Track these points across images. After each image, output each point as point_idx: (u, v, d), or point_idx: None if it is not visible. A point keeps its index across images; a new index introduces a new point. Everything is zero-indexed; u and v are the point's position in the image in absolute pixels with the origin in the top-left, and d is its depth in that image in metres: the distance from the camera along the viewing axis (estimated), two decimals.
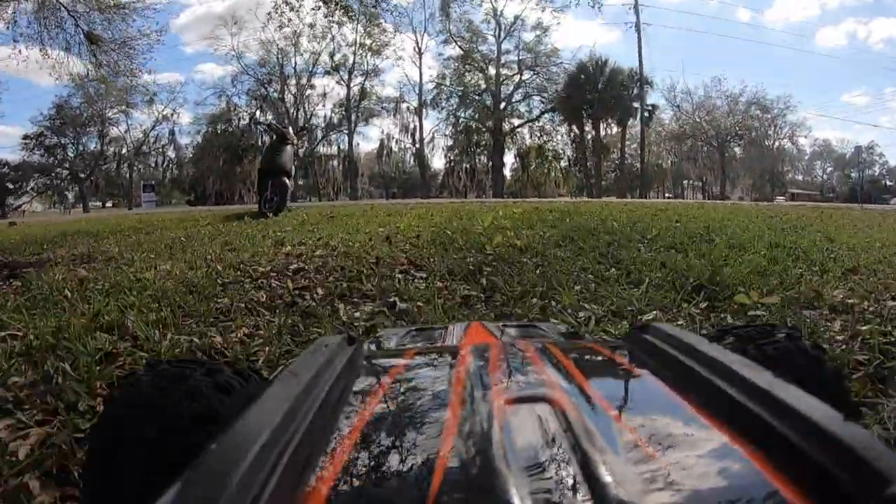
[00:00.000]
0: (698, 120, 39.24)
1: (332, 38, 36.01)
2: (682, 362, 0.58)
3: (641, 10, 35.67)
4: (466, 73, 39.08)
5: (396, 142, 40.85)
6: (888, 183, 72.50)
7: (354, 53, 36.49)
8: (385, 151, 40.79)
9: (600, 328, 2.10)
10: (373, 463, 0.43)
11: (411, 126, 39.77)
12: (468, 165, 40.55)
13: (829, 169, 65.61)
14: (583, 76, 36.66)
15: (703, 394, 0.51)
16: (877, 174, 62.86)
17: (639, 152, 37.97)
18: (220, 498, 0.34)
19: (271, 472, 0.38)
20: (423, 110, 39.36)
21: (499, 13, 37.64)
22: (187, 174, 37.76)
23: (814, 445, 0.38)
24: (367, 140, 44.21)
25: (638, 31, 35.66)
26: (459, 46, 38.17)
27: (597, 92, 36.02)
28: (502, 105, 38.69)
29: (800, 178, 56.09)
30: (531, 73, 38.64)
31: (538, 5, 36.85)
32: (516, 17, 37.58)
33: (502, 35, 38.18)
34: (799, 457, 0.39)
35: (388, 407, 0.56)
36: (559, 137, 40.41)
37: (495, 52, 38.31)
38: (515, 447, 0.42)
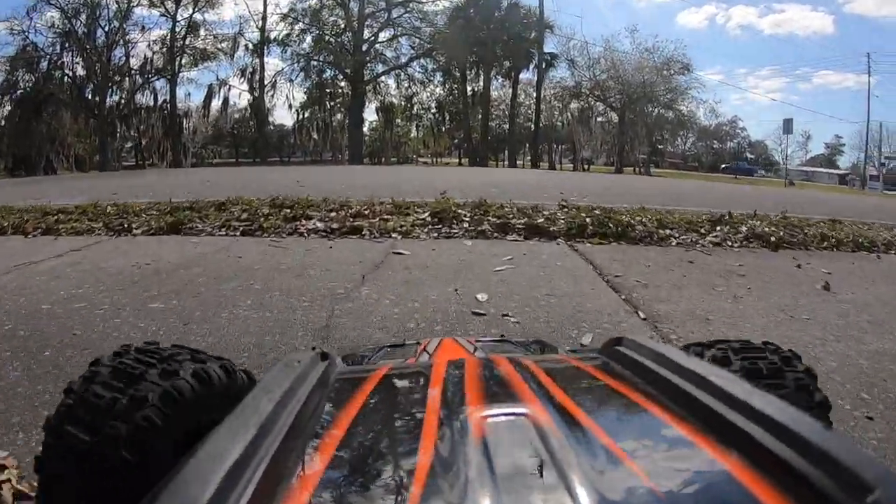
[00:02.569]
0: (596, 76, 35.49)
1: None
2: (658, 374, 0.58)
3: None
4: (323, 9, 32.38)
5: (238, 92, 33.35)
6: (749, 155, 76.82)
7: None
8: (220, 102, 32.96)
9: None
10: (348, 480, 0.44)
11: (249, 71, 31.76)
12: (322, 121, 34.20)
13: (692, 139, 68.15)
14: (472, 9, 31.38)
15: (679, 405, 0.52)
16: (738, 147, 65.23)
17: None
18: None
19: (244, 489, 0.38)
20: (266, 48, 31.78)
21: None
22: None
23: (796, 454, 0.38)
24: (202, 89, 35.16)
25: None
26: None
27: (489, 29, 30.91)
28: (364, 47, 32.42)
29: (669, 147, 56.00)
30: (402, 9, 32.71)
31: None
32: None
33: None
34: (781, 466, 0.39)
35: (363, 424, 0.55)
36: (433, 89, 35.17)
37: None
38: (492, 462, 0.42)
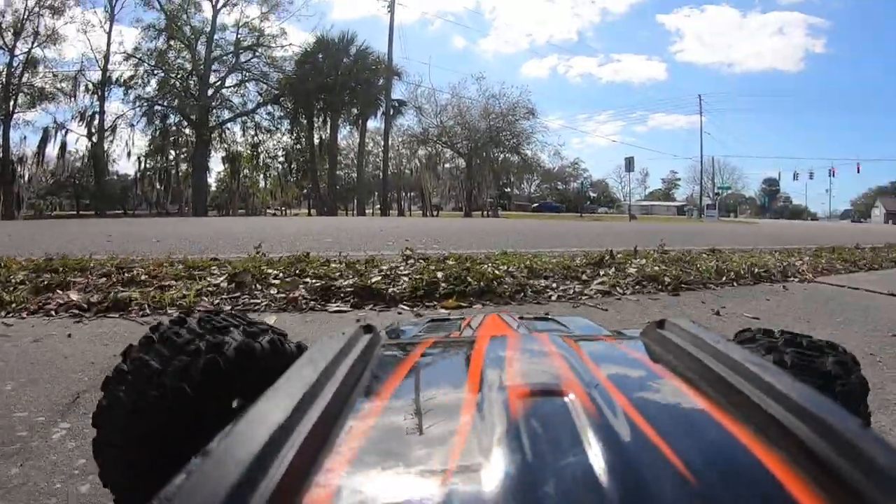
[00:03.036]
0: (443, 122, 35.46)
1: None
2: (698, 358, 0.59)
3: None
4: (170, 50, 30.24)
5: (75, 137, 29.86)
6: (592, 194, 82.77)
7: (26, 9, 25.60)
8: (57, 148, 28.74)
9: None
10: (387, 450, 0.44)
11: (88, 114, 28.47)
12: (164, 171, 31.91)
13: (537, 181, 71.91)
14: (321, 54, 30.31)
15: (718, 391, 0.52)
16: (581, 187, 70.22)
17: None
18: (233, 481, 0.34)
19: (284, 456, 0.38)
20: (108, 90, 28.56)
21: None
22: None
23: (832, 450, 0.38)
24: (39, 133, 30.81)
25: (392, 8, 30.15)
26: (162, 8, 28.48)
27: (338, 75, 29.86)
28: (210, 92, 30.71)
29: (515, 191, 58.62)
30: (251, 53, 31.50)
31: None
32: None
33: (220, 3, 30.18)
34: (815, 461, 0.39)
35: (404, 395, 0.56)
36: (280, 136, 33.93)
37: (209, 24, 30.14)
38: (532, 438, 0.43)
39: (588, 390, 0.51)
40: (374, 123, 34.60)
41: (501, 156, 38.18)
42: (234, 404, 0.78)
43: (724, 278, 4.32)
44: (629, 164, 41.37)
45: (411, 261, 4.29)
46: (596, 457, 0.39)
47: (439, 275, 3.54)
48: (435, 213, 35.41)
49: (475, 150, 35.21)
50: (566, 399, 0.49)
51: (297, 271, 3.72)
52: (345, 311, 3.03)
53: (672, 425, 0.45)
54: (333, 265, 4.00)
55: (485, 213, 36.94)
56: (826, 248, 7.42)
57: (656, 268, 4.29)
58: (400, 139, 36.40)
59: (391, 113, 33.10)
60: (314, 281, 3.47)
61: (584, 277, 3.96)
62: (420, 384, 0.60)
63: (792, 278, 4.66)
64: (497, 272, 3.73)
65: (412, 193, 41.89)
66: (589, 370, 0.58)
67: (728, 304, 3.47)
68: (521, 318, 1.23)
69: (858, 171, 72.92)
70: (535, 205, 49.77)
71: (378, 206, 34.69)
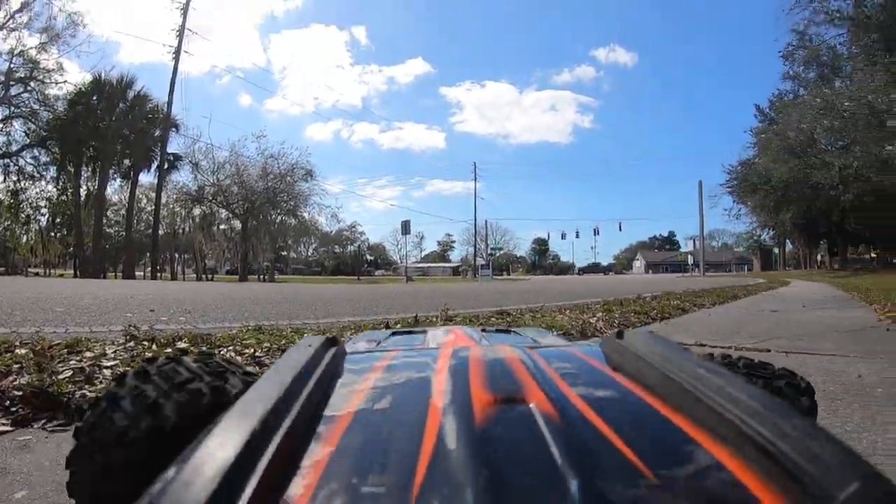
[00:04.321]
0: (220, 180, 34.41)
1: None
2: (654, 365, 0.60)
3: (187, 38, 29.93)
4: None
5: None
6: (369, 257, 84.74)
7: None
8: None
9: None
10: (355, 463, 0.44)
11: None
12: None
13: (315, 245, 72.65)
14: (96, 96, 28.31)
15: (674, 394, 0.53)
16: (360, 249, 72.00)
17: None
18: (201, 497, 0.34)
19: (253, 471, 0.39)
20: None
21: None
22: None
23: (787, 449, 0.40)
24: None
25: (177, 56, 30.00)
26: None
27: (111, 121, 28.19)
28: None
29: (292, 254, 59.02)
30: (22, 86, 28.08)
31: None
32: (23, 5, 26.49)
33: None
34: (769, 458, 0.40)
35: (370, 407, 0.56)
36: (45, 185, 30.26)
37: None
38: (496, 448, 0.43)
39: (550, 397, 0.53)
40: (147, 178, 32.67)
41: (279, 218, 37.84)
42: None
43: None
44: (405, 227, 43.37)
45: (134, 341, 3.07)
46: (559, 461, 0.41)
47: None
48: (210, 276, 33.80)
49: (252, 211, 34.51)
50: (529, 406, 0.51)
51: None
52: (5, 429, 1.76)
53: (631, 428, 0.47)
54: (19, 351, 2.56)
55: (261, 276, 36.40)
56: (612, 301, 7.54)
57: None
58: (174, 196, 34.80)
59: (165, 167, 31.27)
60: None
61: None
62: (384, 398, 0.59)
63: (595, 338, 4.32)
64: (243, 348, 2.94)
65: (186, 255, 40.07)
66: (550, 377, 0.60)
67: None
68: (483, 329, 1.27)
69: (620, 230, 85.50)
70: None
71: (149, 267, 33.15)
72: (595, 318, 5.13)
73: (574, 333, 4.26)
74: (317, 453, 0.44)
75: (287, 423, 0.46)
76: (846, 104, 24.86)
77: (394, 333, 1.35)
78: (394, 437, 0.48)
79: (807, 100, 28.51)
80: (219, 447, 0.39)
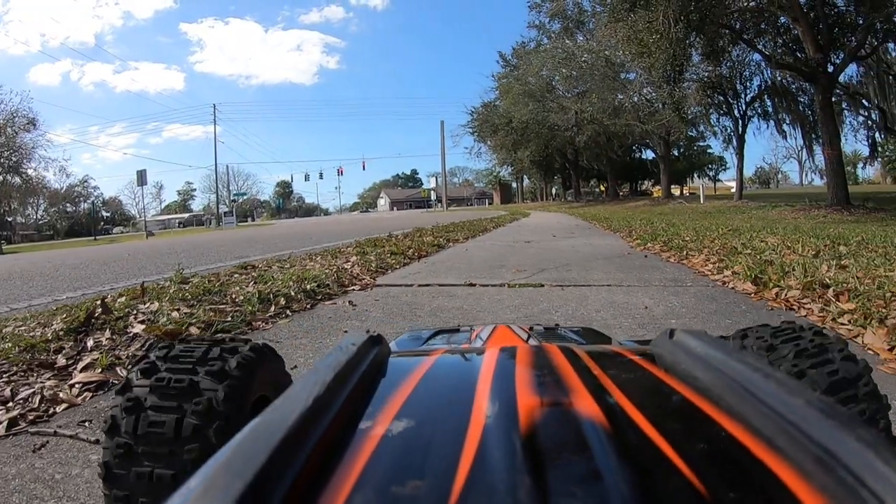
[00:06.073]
0: None
1: None
2: (710, 371, 0.57)
3: None
4: None
5: None
6: (105, 214, 75.48)
7: None
8: None
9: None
10: (395, 462, 0.44)
11: None
12: None
13: (44, 206, 62.75)
14: None
15: (729, 401, 0.51)
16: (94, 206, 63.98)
17: None
18: (241, 490, 0.34)
19: (292, 467, 0.39)
20: None
21: None
22: None
23: (850, 463, 0.37)
24: None
25: None
26: None
27: None
28: None
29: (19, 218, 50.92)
30: None
31: None
32: None
33: None
34: (832, 476, 0.38)
35: (412, 406, 0.55)
36: None
37: None
38: (541, 450, 0.42)
39: (598, 402, 0.52)
40: None
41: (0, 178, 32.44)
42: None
43: (273, 308, 3.26)
44: (141, 177, 39.56)
45: None
46: (606, 471, 0.39)
47: None
48: None
49: None
50: (577, 411, 0.50)
51: None
52: None
53: (683, 437, 0.46)
54: None
55: None
56: (365, 242, 7.23)
57: (175, 313, 2.91)
58: None
59: None
60: None
61: (60, 362, 2.20)
62: (428, 396, 0.59)
63: (352, 287, 4.04)
64: None
65: None
66: (599, 381, 0.59)
67: (289, 353, 2.40)
68: (530, 328, 1.25)
69: (364, 169, 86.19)
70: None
71: None
72: (349, 264, 4.84)
73: (330, 283, 3.90)
74: (353, 458, 0.43)
75: (324, 425, 0.45)
76: (585, 56, 27.56)
77: (439, 332, 1.33)
78: (434, 442, 0.47)
79: (549, 49, 30.80)
80: (251, 449, 0.38)
